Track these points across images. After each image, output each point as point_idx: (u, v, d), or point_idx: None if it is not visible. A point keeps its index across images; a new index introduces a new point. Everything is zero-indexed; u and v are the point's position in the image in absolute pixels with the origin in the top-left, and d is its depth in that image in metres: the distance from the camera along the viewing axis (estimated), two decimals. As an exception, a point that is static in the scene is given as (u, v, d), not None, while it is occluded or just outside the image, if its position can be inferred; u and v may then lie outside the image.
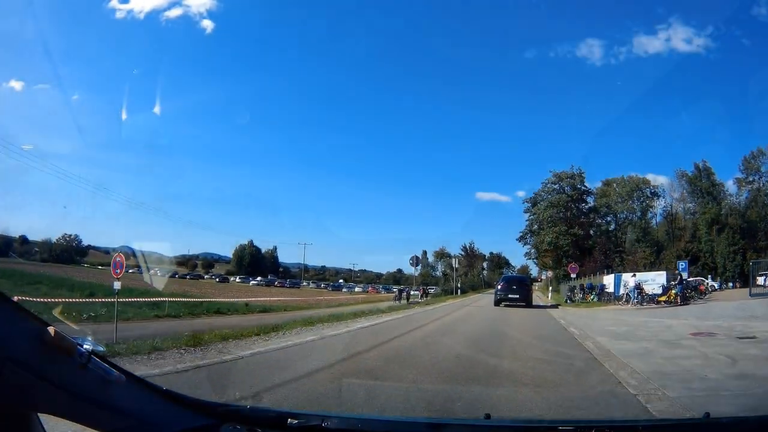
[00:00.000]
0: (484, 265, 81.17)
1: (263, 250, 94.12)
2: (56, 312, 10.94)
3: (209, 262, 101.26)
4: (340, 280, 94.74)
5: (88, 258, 73.99)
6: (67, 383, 1.24)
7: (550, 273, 45.05)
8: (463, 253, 69.98)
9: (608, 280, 27.73)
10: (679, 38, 64.82)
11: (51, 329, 1.20)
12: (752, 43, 50.28)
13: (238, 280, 68.08)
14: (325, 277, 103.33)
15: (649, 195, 48.17)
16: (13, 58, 60.31)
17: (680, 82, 62.25)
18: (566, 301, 27.68)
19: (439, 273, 60.31)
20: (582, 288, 28.44)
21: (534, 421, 3.09)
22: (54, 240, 70.54)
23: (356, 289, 66.24)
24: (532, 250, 50.51)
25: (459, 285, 45.86)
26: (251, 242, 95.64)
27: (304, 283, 67.94)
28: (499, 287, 23.32)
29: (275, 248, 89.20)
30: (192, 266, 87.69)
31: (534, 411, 4.16)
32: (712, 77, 57.57)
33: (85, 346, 1.28)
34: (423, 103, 78.24)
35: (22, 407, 1.20)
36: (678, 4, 57.58)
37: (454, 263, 45.98)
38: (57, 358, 1.20)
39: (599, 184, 52.27)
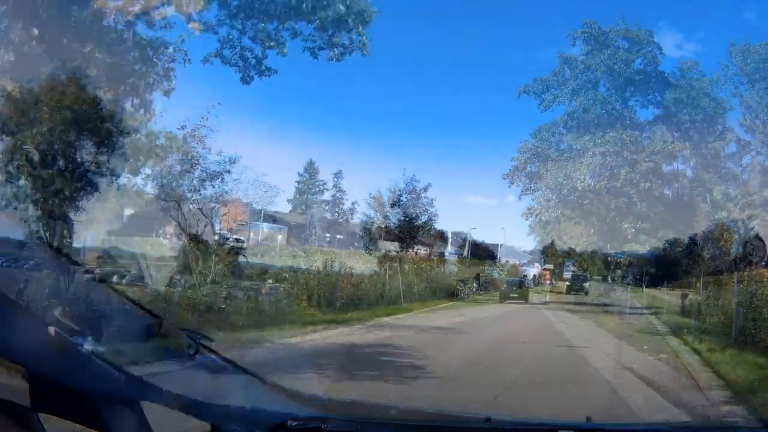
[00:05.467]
0: (446, 251, 32.36)
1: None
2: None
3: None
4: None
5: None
6: (67, 383, 1.24)
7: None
8: (373, 205, 24.35)
9: None
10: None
11: (51, 329, 1.20)
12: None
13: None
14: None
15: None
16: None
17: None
18: None
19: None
20: None
21: (533, 423, 3.05)
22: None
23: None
24: (551, 201, 24.56)
25: None
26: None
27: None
28: (502, 287, 29.83)
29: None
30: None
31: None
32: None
33: (85, 347, 1.30)
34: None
35: (21, 406, 1.18)
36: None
37: None
38: (57, 358, 1.22)
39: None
